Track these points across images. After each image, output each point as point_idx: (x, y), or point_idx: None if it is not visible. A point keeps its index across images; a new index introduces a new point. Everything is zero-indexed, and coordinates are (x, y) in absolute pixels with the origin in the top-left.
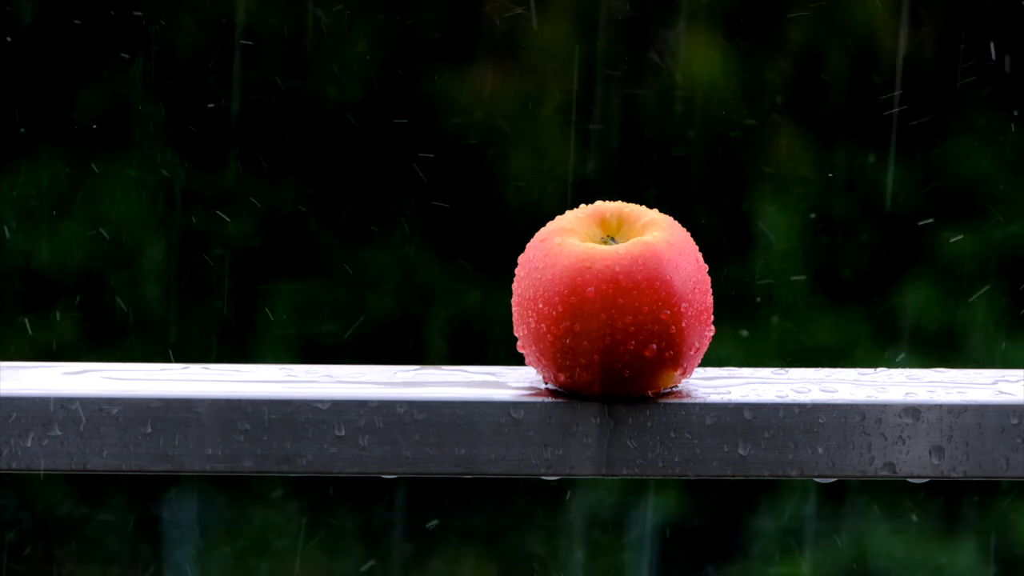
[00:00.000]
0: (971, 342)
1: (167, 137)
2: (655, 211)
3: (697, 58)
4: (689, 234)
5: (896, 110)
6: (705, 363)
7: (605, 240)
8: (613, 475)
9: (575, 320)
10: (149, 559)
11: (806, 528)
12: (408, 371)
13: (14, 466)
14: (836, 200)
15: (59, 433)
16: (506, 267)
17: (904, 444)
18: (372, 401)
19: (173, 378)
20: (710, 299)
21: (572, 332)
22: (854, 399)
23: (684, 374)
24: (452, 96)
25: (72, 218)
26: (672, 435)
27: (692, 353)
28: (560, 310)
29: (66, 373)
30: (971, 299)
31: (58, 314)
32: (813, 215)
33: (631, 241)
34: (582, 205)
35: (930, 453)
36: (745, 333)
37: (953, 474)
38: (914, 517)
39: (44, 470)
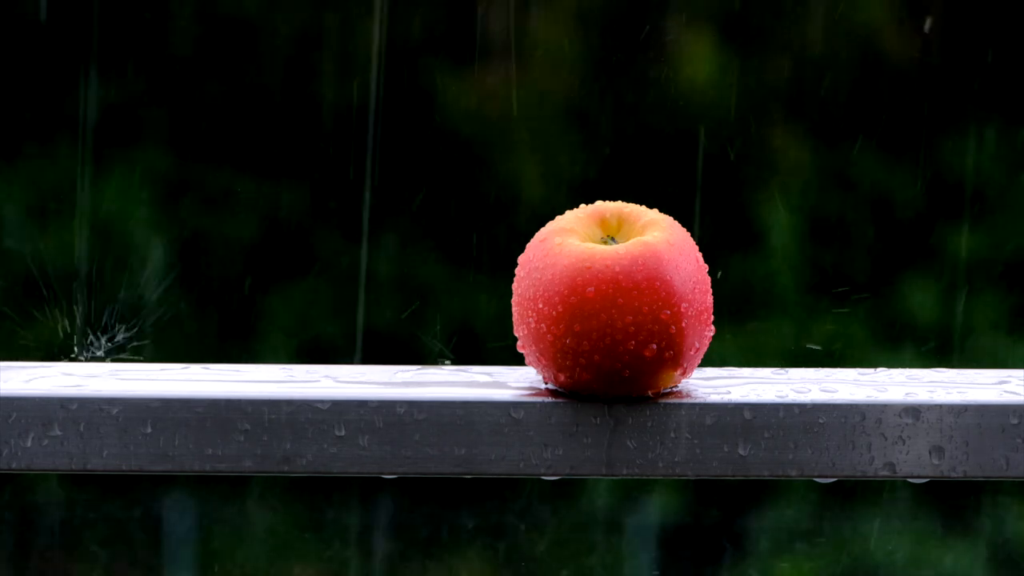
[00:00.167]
0: (971, 342)
1: (167, 137)
2: (655, 211)
3: (697, 58)
4: (689, 234)
5: (897, 109)
6: (705, 363)
7: (605, 240)
8: (613, 475)
9: (575, 320)
10: (149, 559)
11: (806, 528)
12: (408, 371)
13: (14, 466)
14: (836, 200)
15: (59, 433)
16: (506, 267)
17: (904, 444)
18: (372, 401)
19: (173, 378)
20: (710, 299)
21: (572, 332)
22: (854, 399)
23: (684, 374)
24: (452, 96)
25: (72, 217)
26: (672, 435)
27: (692, 353)
28: (560, 310)
29: (66, 373)
30: (971, 299)
31: (58, 314)
32: (813, 215)
33: (631, 241)
34: (582, 205)
35: (930, 453)
36: (745, 333)
37: (953, 474)
38: (914, 517)
39: (44, 470)
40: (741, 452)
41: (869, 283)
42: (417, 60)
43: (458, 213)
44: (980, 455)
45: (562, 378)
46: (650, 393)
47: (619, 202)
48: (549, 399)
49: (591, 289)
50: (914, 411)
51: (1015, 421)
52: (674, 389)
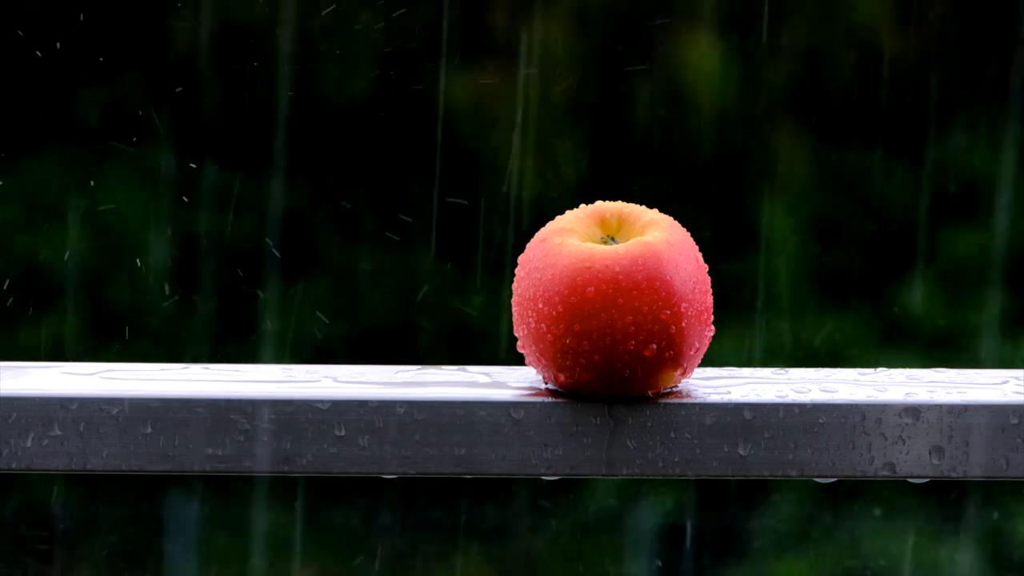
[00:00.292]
0: (971, 342)
1: (167, 136)
2: (655, 211)
3: (697, 58)
4: (689, 234)
5: (897, 109)
6: (705, 363)
7: (605, 240)
8: (613, 475)
9: (575, 320)
10: (149, 559)
11: (806, 528)
12: (408, 371)
13: (14, 466)
14: (836, 200)
15: (59, 433)
16: (506, 267)
17: (904, 444)
18: (372, 401)
19: (173, 378)
20: (710, 299)
21: (572, 332)
22: (854, 399)
23: (684, 374)
24: (452, 95)
25: (72, 217)
26: (672, 435)
27: (692, 353)
28: (560, 310)
29: (66, 373)
30: (972, 299)
31: (58, 314)
32: (813, 215)
33: (631, 241)
34: (582, 205)
35: (930, 453)
36: (745, 333)
37: (953, 474)
38: (914, 517)
39: (44, 470)
40: (741, 452)
41: (869, 283)
42: (417, 60)
43: (458, 213)
44: (980, 455)
45: (562, 378)
46: (650, 393)
47: (619, 202)
48: (549, 399)
49: (591, 289)
50: (914, 411)
51: (1015, 421)
52: (674, 389)
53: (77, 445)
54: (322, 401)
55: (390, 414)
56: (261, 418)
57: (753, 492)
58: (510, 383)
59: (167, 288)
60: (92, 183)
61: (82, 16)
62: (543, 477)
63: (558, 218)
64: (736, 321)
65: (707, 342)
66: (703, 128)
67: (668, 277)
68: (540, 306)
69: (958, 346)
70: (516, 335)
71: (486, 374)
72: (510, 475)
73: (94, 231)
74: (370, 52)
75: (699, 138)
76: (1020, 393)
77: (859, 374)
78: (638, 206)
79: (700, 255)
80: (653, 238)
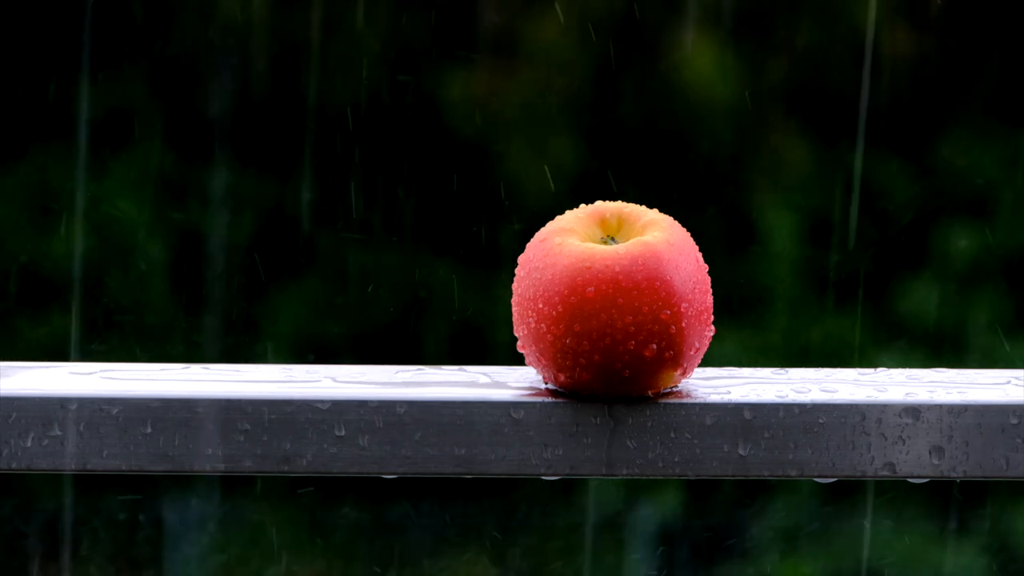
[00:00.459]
0: (972, 342)
1: (167, 137)
2: (655, 211)
3: (697, 57)
4: (689, 234)
5: (897, 109)
6: (705, 363)
7: (605, 240)
8: (613, 475)
9: (575, 320)
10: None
11: (806, 528)
12: (408, 371)
13: (14, 466)
14: (836, 200)
15: (59, 433)
16: (506, 267)
17: (904, 444)
18: (372, 401)
19: (173, 378)
20: (710, 299)
21: (572, 332)
22: (854, 399)
23: (684, 374)
24: (453, 95)
25: (72, 217)
26: (672, 435)
27: (692, 353)
28: (560, 310)
29: (66, 373)
30: (971, 299)
31: (58, 314)
32: (813, 215)
33: (631, 241)
34: (582, 205)
35: (930, 453)
36: (745, 333)
37: (953, 474)
38: (914, 517)
39: (44, 470)
40: (741, 452)
41: (869, 283)
42: (418, 59)
43: (458, 213)
44: (980, 455)
45: (562, 378)
46: (650, 393)
47: (619, 202)
48: (549, 399)
49: (591, 289)
50: (914, 411)
51: (1015, 421)
52: (674, 389)
53: (77, 445)
54: (322, 401)
55: (390, 414)
56: (261, 418)
57: (753, 492)
58: (510, 383)
59: (167, 288)
60: (92, 183)
61: (83, 15)
62: (543, 477)
63: (558, 218)
64: (736, 321)
65: (707, 342)
66: (703, 128)
67: (668, 277)
68: (540, 306)
69: (958, 346)
70: (516, 335)
71: (486, 374)
72: (510, 475)
73: (94, 231)
74: (370, 52)
75: (699, 138)
76: (1020, 393)
77: (859, 374)
78: (638, 206)
79: (700, 255)
80: (653, 238)
